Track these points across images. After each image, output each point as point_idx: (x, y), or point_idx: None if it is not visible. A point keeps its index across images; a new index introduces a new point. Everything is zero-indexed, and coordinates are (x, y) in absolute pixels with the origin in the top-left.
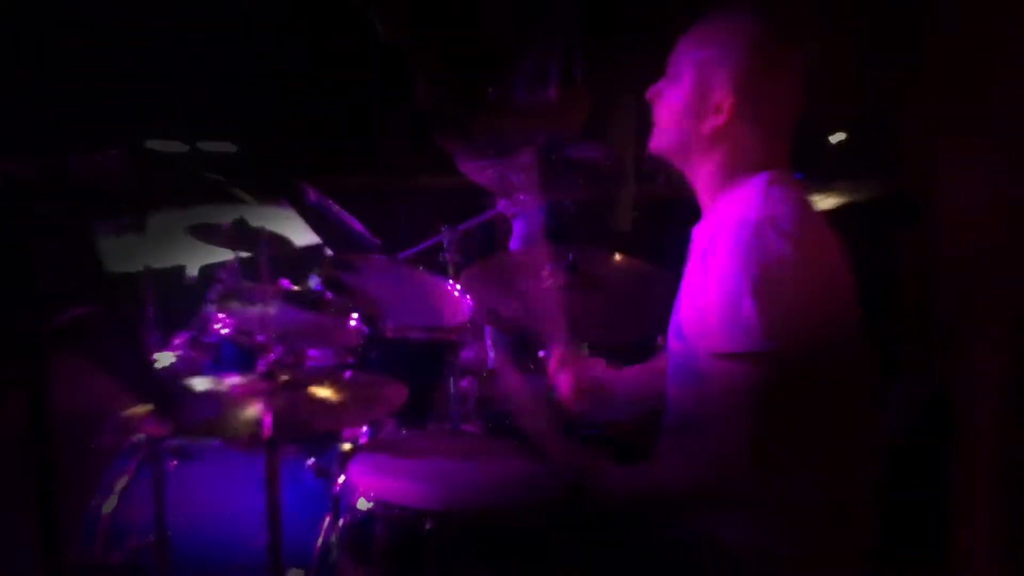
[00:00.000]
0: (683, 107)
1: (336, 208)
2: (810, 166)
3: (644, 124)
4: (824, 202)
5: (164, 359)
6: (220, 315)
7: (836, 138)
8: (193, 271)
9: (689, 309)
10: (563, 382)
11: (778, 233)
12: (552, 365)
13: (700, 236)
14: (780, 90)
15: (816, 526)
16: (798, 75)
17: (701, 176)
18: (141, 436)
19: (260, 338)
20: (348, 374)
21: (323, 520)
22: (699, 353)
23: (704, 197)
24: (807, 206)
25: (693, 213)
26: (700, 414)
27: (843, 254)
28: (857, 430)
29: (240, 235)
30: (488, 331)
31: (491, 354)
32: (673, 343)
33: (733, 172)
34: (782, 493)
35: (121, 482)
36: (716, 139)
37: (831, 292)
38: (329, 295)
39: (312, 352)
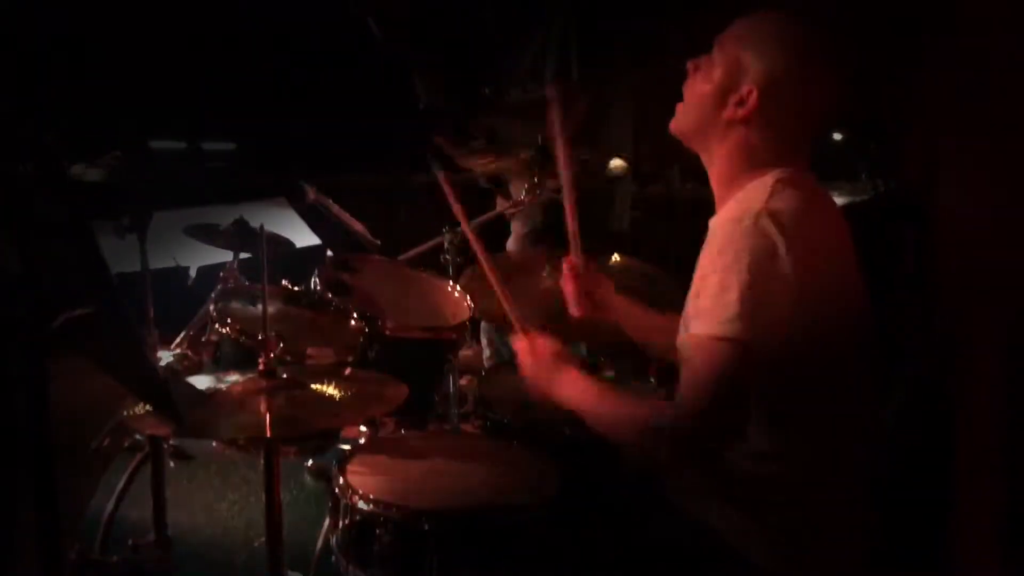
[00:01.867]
0: (711, 90)
1: (336, 208)
2: (810, 166)
3: (642, 124)
4: None
5: (164, 358)
6: (220, 314)
7: (836, 138)
8: (193, 271)
9: (694, 297)
10: (568, 287)
11: (777, 228)
12: (563, 270)
13: (713, 228)
14: (807, 101)
15: (815, 525)
16: (832, 88)
17: (715, 164)
18: (141, 436)
19: (260, 337)
20: (348, 371)
21: (322, 521)
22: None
23: (718, 188)
24: (818, 207)
25: (692, 214)
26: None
27: (850, 257)
28: (856, 429)
29: (240, 235)
30: (486, 331)
31: (487, 353)
32: (681, 335)
33: (744, 166)
34: (777, 488)
35: (121, 482)
36: (731, 129)
37: (827, 292)
38: (329, 295)
39: (311, 351)
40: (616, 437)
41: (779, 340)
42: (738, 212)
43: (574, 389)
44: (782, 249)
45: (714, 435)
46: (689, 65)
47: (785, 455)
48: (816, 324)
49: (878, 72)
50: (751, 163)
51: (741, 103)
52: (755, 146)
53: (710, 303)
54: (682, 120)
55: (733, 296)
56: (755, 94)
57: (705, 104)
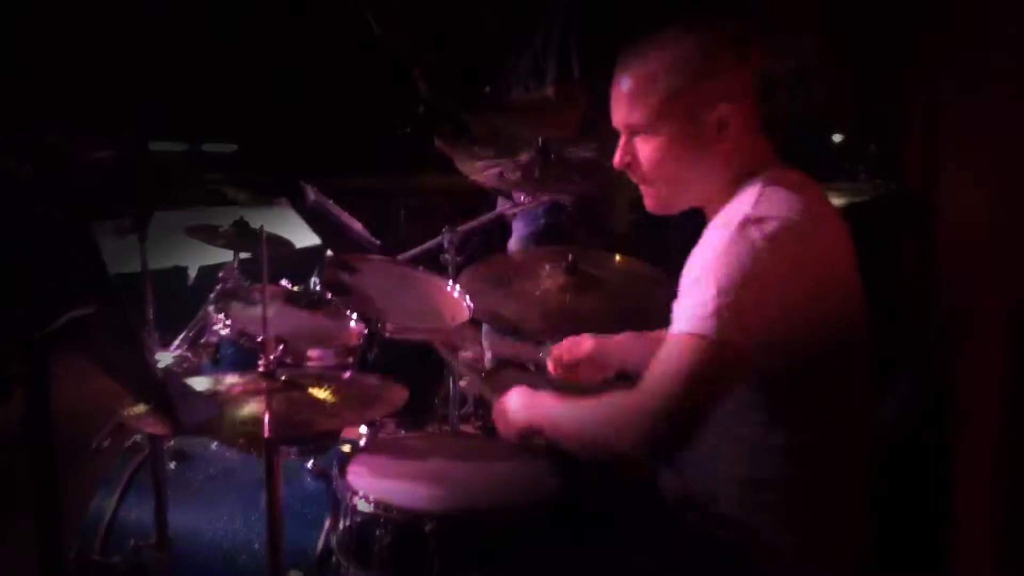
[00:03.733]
0: (684, 148)
1: (336, 208)
2: (810, 166)
3: None
4: None
5: (164, 359)
6: (220, 315)
7: (836, 138)
8: (193, 272)
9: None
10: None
11: (760, 233)
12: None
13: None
14: (748, 83)
15: (811, 523)
16: (756, 63)
17: (710, 196)
18: (141, 436)
19: (260, 338)
20: (348, 375)
21: (323, 521)
22: None
23: (712, 207)
24: (809, 206)
25: (692, 214)
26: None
27: (846, 254)
28: (855, 428)
29: (240, 236)
30: (486, 332)
31: (488, 355)
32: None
33: (738, 178)
34: (773, 488)
35: (121, 482)
36: (725, 155)
37: (822, 293)
38: (329, 296)
39: (312, 352)
40: (585, 435)
41: (771, 339)
42: (726, 219)
43: (532, 407)
44: (765, 254)
45: (677, 426)
46: (621, 164)
47: (786, 454)
48: (812, 324)
49: (878, 72)
50: (743, 173)
51: (722, 126)
52: (742, 156)
53: (688, 302)
54: (674, 196)
55: (709, 295)
56: (728, 109)
57: (690, 160)
